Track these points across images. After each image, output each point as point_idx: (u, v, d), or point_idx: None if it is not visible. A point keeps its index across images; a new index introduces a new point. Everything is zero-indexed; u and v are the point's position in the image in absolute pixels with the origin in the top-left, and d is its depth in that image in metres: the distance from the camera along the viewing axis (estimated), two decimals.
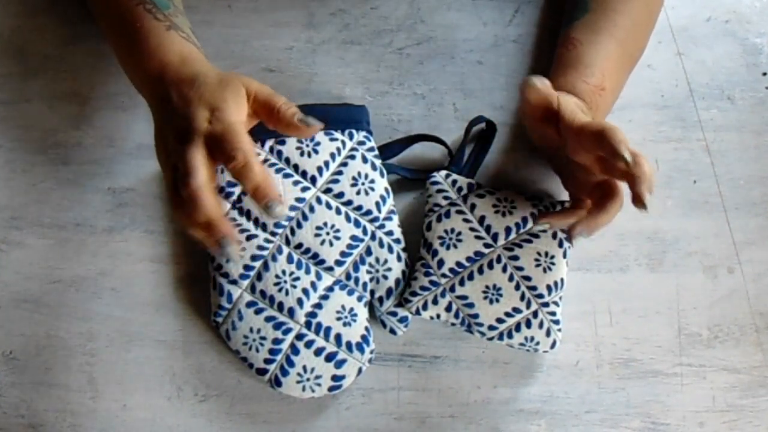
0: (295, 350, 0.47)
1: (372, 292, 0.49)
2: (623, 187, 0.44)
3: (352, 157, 0.51)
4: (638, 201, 0.42)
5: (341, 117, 0.52)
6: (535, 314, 0.48)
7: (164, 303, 0.51)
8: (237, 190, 0.49)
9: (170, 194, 0.43)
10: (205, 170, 0.41)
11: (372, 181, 0.50)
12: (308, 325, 0.47)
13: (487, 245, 0.49)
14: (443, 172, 0.52)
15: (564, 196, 0.53)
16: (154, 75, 0.46)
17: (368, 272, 0.49)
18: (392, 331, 0.50)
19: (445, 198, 0.51)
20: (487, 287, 0.48)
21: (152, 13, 0.47)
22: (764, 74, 0.58)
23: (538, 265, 0.49)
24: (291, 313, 0.47)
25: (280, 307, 0.47)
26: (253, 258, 0.48)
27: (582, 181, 0.48)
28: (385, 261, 0.49)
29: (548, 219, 0.48)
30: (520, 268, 0.49)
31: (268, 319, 0.47)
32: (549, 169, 0.54)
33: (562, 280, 0.49)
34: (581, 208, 0.48)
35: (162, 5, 0.48)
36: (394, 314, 0.49)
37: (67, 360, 0.50)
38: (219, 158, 0.41)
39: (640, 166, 0.42)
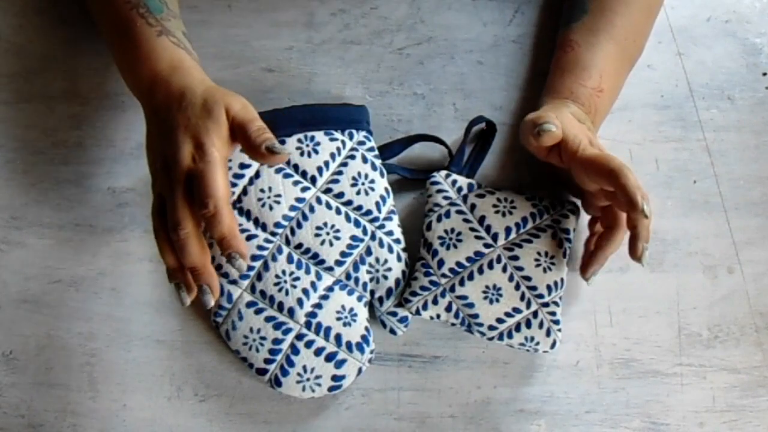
0: (295, 350, 0.47)
1: (372, 292, 0.49)
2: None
3: (352, 157, 0.51)
4: (635, 253, 0.44)
5: (341, 117, 0.52)
6: (535, 314, 0.48)
7: (164, 303, 0.51)
8: (237, 190, 0.49)
9: (154, 214, 0.44)
10: (191, 218, 0.42)
11: (372, 181, 0.50)
12: (308, 325, 0.47)
13: (487, 245, 0.49)
14: (443, 172, 0.52)
15: (563, 195, 0.53)
16: (145, 83, 0.46)
17: (368, 272, 0.49)
18: (392, 331, 0.50)
19: (445, 198, 0.51)
20: (487, 287, 0.48)
21: (144, 18, 0.47)
22: (764, 74, 0.58)
23: (538, 265, 0.49)
24: (291, 313, 0.47)
25: (280, 307, 0.47)
26: (253, 258, 0.48)
27: (590, 202, 0.50)
28: (385, 261, 0.49)
29: (591, 270, 0.49)
30: (520, 268, 0.49)
31: (268, 319, 0.47)
32: (548, 169, 0.54)
33: (562, 280, 0.49)
34: (596, 233, 0.50)
35: (155, 9, 0.48)
36: (394, 314, 0.49)
37: (67, 360, 0.50)
38: (193, 198, 0.42)
39: (645, 221, 0.43)
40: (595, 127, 0.51)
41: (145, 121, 0.46)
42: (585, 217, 0.52)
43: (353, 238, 0.49)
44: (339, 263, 0.49)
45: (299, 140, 0.50)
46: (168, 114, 0.44)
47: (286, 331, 0.47)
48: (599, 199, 0.48)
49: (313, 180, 0.50)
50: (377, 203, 0.50)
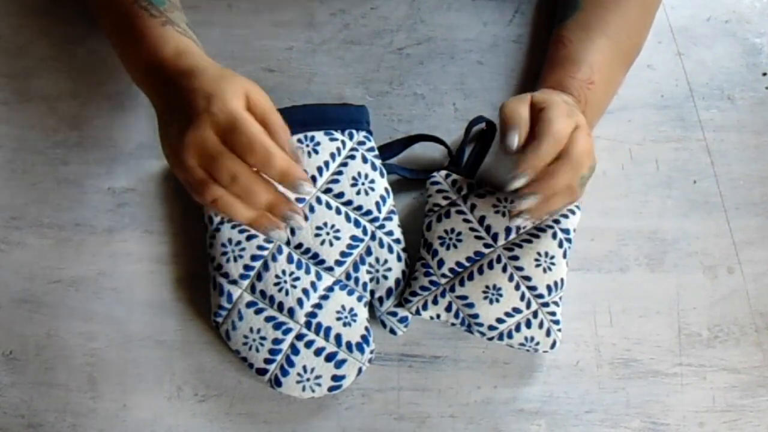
0: (295, 350, 0.47)
1: (372, 292, 0.49)
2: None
3: (352, 157, 0.51)
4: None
5: (341, 117, 0.52)
6: (535, 314, 0.48)
7: (164, 303, 0.51)
8: None
9: (198, 190, 0.42)
10: (243, 163, 0.41)
11: (372, 181, 0.50)
12: (308, 325, 0.47)
13: (487, 245, 0.49)
14: (443, 172, 0.52)
15: None
16: (152, 71, 0.46)
17: (368, 272, 0.49)
18: (392, 331, 0.50)
19: (445, 198, 0.51)
20: (487, 287, 0.48)
21: (147, 10, 0.47)
22: (764, 74, 0.58)
23: (538, 265, 0.49)
24: (291, 313, 0.47)
25: (280, 307, 0.47)
26: (253, 258, 0.48)
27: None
28: (385, 261, 0.49)
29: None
30: (520, 268, 0.49)
31: (268, 319, 0.47)
32: None
33: (562, 280, 0.49)
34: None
35: (157, 1, 0.48)
36: (394, 314, 0.49)
37: (67, 360, 0.50)
38: (235, 151, 0.41)
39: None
40: (588, 119, 0.51)
41: (156, 112, 0.46)
42: (585, 217, 0.52)
43: (353, 238, 0.49)
44: (339, 263, 0.49)
45: (299, 140, 0.50)
46: (177, 87, 0.43)
47: (286, 331, 0.47)
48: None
49: (313, 180, 0.50)
50: (377, 203, 0.50)
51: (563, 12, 0.54)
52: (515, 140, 0.44)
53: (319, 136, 0.51)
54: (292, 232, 0.49)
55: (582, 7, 0.53)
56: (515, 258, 0.49)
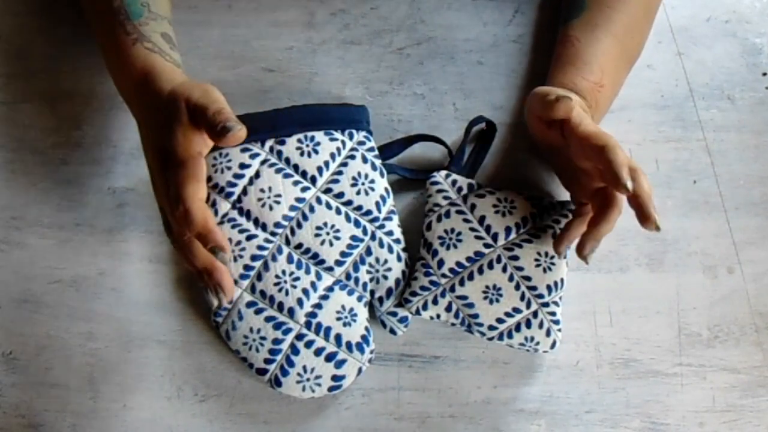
0: (295, 350, 0.47)
1: (372, 292, 0.49)
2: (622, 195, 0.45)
3: (352, 157, 0.51)
4: (646, 221, 0.42)
5: (341, 117, 0.52)
6: (535, 314, 0.48)
7: (164, 303, 0.51)
8: (237, 190, 0.49)
9: (165, 225, 0.46)
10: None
11: (372, 181, 0.50)
12: (308, 325, 0.47)
13: (487, 245, 0.49)
14: (443, 172, 0.52)
15: (564, 195, 0.53)
16: (126, 95, 0.48)
17: (368, 272, 0.49)
18: (392, 331, 0.50)
19: (445, 198, 0.51)
20: (487, 287, 0.48)
21: (123, 26, 0.48)
22: (764, 74, 0.58)
23: (538, 265, 0.49)
24: (291, 313, 0.47)
25: (280, 307, 0.47)
26: (253, 258, 0.48)
27: (583, 184, 0.48)
28: (385, 261, 0.49)
29: (564, 240, 0.48)
30: (520, 268, 0.49)
31: (268, 319, 0.47)
32: (549, 169, 0.54)
33: (562, 280, 0.49)
34: (584, 215, 0.48)
35: (134, 15, 0.48)
36: (394, 314, 0.49)
37: (67, 360, 0.50)
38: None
39: (641, 186, 0.42)
40: (595, 121, 0.51)
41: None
42: None
43: (353, 238, 0.49)
44: (339, 263, 0.49)
45: (299, 140, 0.50)
46: (149, 122, 0.46)
47: (286, 331, 0.47)
48: (593, 179, 0.47)
49: (313, 180, 0.50)
50: (377, 203, 0.50)
51: (568, 12, 0.54)
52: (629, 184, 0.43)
53: (319, 136, 0.51)
54: (292, 231, 0.49)
55: (588, 6, 0.53)
56: (515, 258, 0.49)
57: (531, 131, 0.52)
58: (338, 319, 0.48)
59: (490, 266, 0.49)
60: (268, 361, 0.47)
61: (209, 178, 0.49)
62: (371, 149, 0.52)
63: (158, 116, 0.44)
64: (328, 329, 0.47)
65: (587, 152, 0.44)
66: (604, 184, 0.46)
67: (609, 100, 0.53)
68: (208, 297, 0.46)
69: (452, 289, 0.49)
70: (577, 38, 0.52)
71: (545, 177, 0.54)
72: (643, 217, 0.42)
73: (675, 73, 0.58)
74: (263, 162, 0.50)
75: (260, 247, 0.48)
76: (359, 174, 0.50)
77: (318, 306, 0.48)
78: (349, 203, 0.50)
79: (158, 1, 0.51)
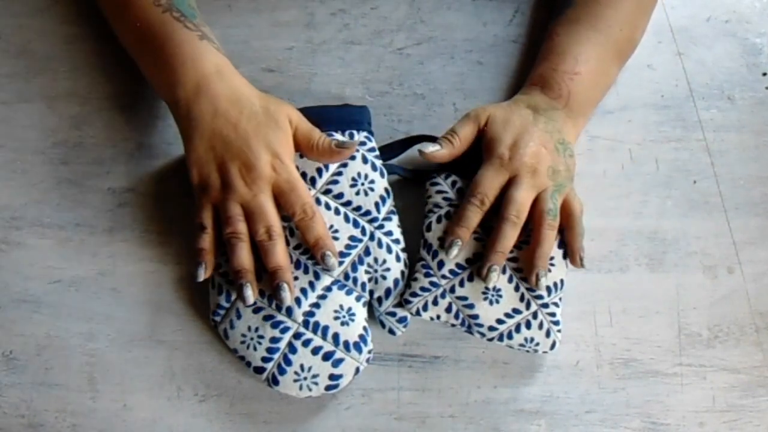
0: (292, 349, 0.47)
1: (371, 292, 0.49)
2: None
3: (352, 157, 0.51)
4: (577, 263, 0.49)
5: (342, 117, 0.52)
6: (534, 315, 0.48)
7: (164, 303, 0.51)
8: None
9: (204, 222, 0.47)
10: (279, 221, 0.47)
11: (372, 182, 0.50)
12: (306, 324, 0.47)
13: None
14: (443, 173, 0.52)
15: None
16: (189, 87, 0.46)
17: (367, 272, 0.49)
18: (391, 332, 0.50)
19: (445, 199, 0.51)
20: (486, 288, 0.48)
21: (182, 22, 0.47)
22: (764, 74, 0.58)
23: None
24: (289, 312, 0.47)
25: (278, 306, 0.47)
26: None
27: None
28: (384, 261, 0.49)
29: (576, 255, 0.50)
30: (519, 270, 0.49)
31: (266, 317, 0.47)
32: None
33: (561, 280, 0.49)
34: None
35: (189, 14, 0.48)
36: (393, 314, 0.49)
37: (67, 360, 0.50)
38: (285, 208, 0.47)
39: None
40: (574, 110, 0.51)
41: (184, 133, 0.47)
42: (585, 217, 0.52)
43: (352, 238, 0.49)
44: (338, 263, 0.49)
45: None
46: (227, 118, 0.46)
47: (284, 330, 0.47)
48: None
49: (313, 181, 0.50)
50: (377, 204, 0.50)
51: (558, 9, 0.55)
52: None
53: None
54: (291, 232, 0.49)
55: (575, 4, 0.53)
56: (515, 259, 0.49)
57: None
58: (336, 318, 0.48)
59: None
60: (265, 360, 0.47)
61: None
62: (372, 150, 0.52)
63: (252, 119, 0.46)
64: (325, 328, 0.47)
65: None
66: None
67: (592, 90, 0.52)
68: (246, 294, 0.46)
69: (452, 290, 0.49)
70: (557, 33, 0.53)
71: None
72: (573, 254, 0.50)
73: (675, 73, 0.58)
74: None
75: None
76: (359, 174, 0.50)
77: (316, 305, 0.48)
78: (348, 204, 0.50)
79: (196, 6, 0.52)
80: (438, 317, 0.49)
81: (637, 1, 0.53)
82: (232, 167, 0.45)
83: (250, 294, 0.46)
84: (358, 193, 0.50)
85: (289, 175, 0.46)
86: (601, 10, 0.52)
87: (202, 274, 0.47)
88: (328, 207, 0.49)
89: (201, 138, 0.46)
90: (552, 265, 0.49)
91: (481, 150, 0.50)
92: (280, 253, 0.46)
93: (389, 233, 0.50)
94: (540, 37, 0.58)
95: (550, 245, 0.47)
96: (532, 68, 0.54)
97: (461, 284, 0.49)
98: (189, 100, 0.46)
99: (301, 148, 0.48)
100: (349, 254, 0.49)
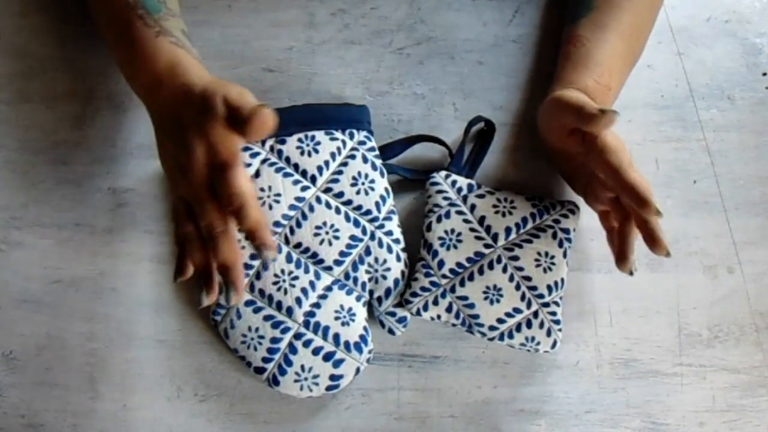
0: (293, 349, 0.47)
1: (371, 292, 0.49)
2: None
3: (353, 156, 0.51)
4: (656, 245, 0.43)
5: (342, 117, 0.52)
6: (535, 314, 0.48)
7: (164, 303, 0.51)
8: None
9: (177, 216, 0.44)
10: (222, 216, 0.42)
11: (372, 181, 0.50)
12: (306, 324, 0.47)
13: (487, 246, 0.49)
14: (443, 173, 0.52)
15: (563, 195, 0.53)
16: (146, 85, 0.46)
17: (367, 272, 0.49)
18: (391, 331, 0.50)
19: (445, 198, 0.51)
20: (487, 288, 0.48)
21: (143, 19, 0.47)
22: (764, 74, 0.58)
23: (538, 265, 0.49)
24: (289, 312, 0.47)
25: (279, 306, 0.47)
26: (252, 256, 0.48)
27: (598, 193, 0.48)
28: (384, 261, 0.49)
29: (627, 258, 0.47)
30: (520, 269, 0.49)
31: (267, 318, 0.47)
32: (549, 169, 0.54)
33: (562, 280, 0.49)
34: (612, 226, 0.49)
35: (153, 9, 0.48)
36: (393, 314, 0.49)
37: (67, 360, 0.50)
38: (218, 196, 0.42)
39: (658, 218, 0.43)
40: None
41: (154, 129, 0.46)
42: (585, 217, 0.52)
43: (352, 237, 0.49)
44: (338, 263, 0.49)
45: (299, 140, 0.50)
46: (173, 115, 0.44)
47: (285, 330, 0.47)
48: (608, 188, 0.47)
49: (313, 179, 0.50)
50: (377, 203, 0.50)
51: (575, 11, 0.54)
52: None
53: (319, 135, 0.51)
54: (292, 231, 0.49)
55: (596, 6, 0.53)
56: (515, 258, 0.49)
57: (545, 135, 0.51)
58: (336, 318, 0.48)
59: (491, 267, 0.49)
60: (266, 360, 0.47)
61: None
62: (372, 149, 0.52)
63: (188, 111, 0.43)
64: (326, 329, 0.47)
65: (606, 168, 0.44)
66: (616, 194, 0.46)
67: (612, 103, 0.52)
68: (202, 296, 0.44)
69: (453, 289, 0.49)
70: (587, 38, 0.52)
71: (545, 177, 0.54)
72: (657, 244, 0.43)
73: (675, 73, 0.58)
74: (263, 161, 0.50)
75: None
76: (359, 174, 0.50)
77: (316, 305, 0.48)
78: (348, 203, 0.50)
79: (172, 0, 0.51)
80: (438, 317, 0.49)
81: (649, 6, 0.53)
82: (175, 166, 0.44)
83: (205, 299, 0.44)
84: (358, 192, 0.50)
85: (220, 162, 0.42)
86: (624, 15, 0.52)
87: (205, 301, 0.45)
88: (328, 206, 0.49)
89: (160, 142, 0.46)
90: (552, 264, 0.49)
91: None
92: (226, 250, 0.43)
93: (389, 233, 0.50)
94: (541, 37, 0.58)
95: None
96: (564, 71, 0.52)
97: (461, 284, 0.49)
98: (147, 101, 0.47)
99: (235, 123, 0.43)
100: (349, 254, 0.49)
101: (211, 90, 0.43)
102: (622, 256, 0.47)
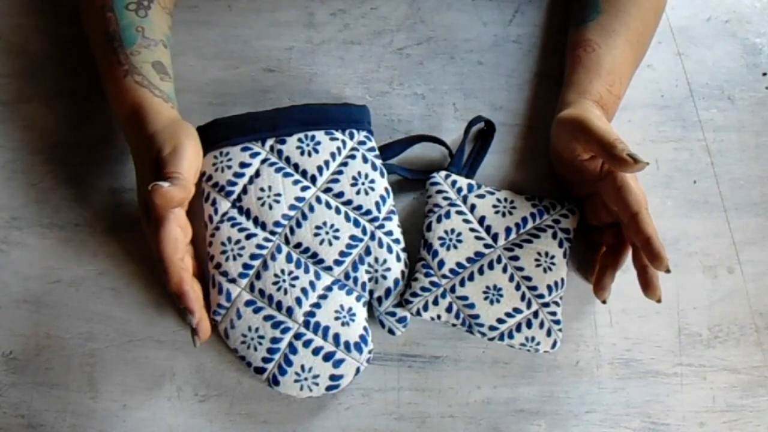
0: (293, 349, 0.47)
1: (371, 292, 0.49)
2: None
3: (353, 156, 0.51)
4: (655, 295, 0.46)
5: (342, 117, 0.52)
6: (535, 314, 0.48)
7: (164, 303, 0.51)
8: (237, 189, 0.49)
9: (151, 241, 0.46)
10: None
11: (372, 181, 0.50)
12: (306, 324, 0.47)
13: (487, 246, 0.49)
14: (443, 173, 0.52)
15: (563, 195, 0.53)
16: (120, 123, 0.49)
17: (367, 272, 0.49)
18: (391, 331, 0.50)
19: (445, 198, 0.51)
20: (487, 288, 0.48)
21: (117, 55, 0.48)
22: (764, 74, 0.58)
23: (538, 265, 0.49)
24: (289, 312, 0.47)
25: (279, 306, 0.47)
26: (252, 257, 0.48)
27: (600, 216, 0.49)
28: (384, 261, 0.49)
29: (605, 286, 0.50)
30: (520, 269, 0.49)
31: (267, 318, 0.47)
32: (549, 169, 0.54)
33: (562, 279, 0.49)
34: (599, 249, 0.51)
35: (128, 42, 0.48)
36: (393, 314, 0.49)
37: (67, 360, 0.50)
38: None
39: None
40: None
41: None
42: (585, 217, 0.52)
43: (352, 237, 0.49)
44: (338, 263, 0.49)
45: (300, 139, 0.50)
46: (136, 160, 0.47)
47: (285, 330, 0.47)
48: (610, 215, 0.48)
49: (313, 179, 0.50)
50: (377, 203, 0.50)
51: (582, 14, 0.54)
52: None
53: (319, 135, 0.51)
54: (292, 230, 0.49)
55: (603, 10, 0.52)
56: (515, 258, 0.49)
57: (557, 148, 0.51)
58: (336, 318, 0.48)
59: (491, 266, 0.49)
60: (266, 360, 0.47)
61: (209, 177, 0.50)
62: (372, 149, 0.52)
63: (143, 158, 0.46)
64: (326, 329, 0.47)
65: (621, 205, 0.45)
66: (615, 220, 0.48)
67: (617, 109, 0.53)
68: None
69: (453, 289, 0.49)
70: (597, 43, 0.51)
71: (545, 177, 0.54)
72: (650, 288, 0.46)
73: (675, 73, 0.58)
74: (263, 161, 0.50)
75: (259, 246, 0.48)
76: (359, 174, 0.50)
77: (316, 305, 0.48)
78: (348, 203, 0.50)
79: (155, 23, 0.50)
80: (438, 317, 0.49)
81: (654, 10, 0.53)
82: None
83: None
84: (358, 192, 0.50)
85: (151, 225, 0.45)
86: (630, 20, 0.52)
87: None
88: (328, 206, 0.49)
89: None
90: (552, 264, 0.49)
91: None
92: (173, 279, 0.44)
93: (389, 233, 0.50)
94: (541, 37, 0.58)
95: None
96: (576, 76, 0.51)
97: (462, 284, 0.49)
98: (123, 133, 0.49)
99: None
100: (349, 254, 0.49)
101: (150, 142, 0.45)
102: (602, 286, 0.49)
